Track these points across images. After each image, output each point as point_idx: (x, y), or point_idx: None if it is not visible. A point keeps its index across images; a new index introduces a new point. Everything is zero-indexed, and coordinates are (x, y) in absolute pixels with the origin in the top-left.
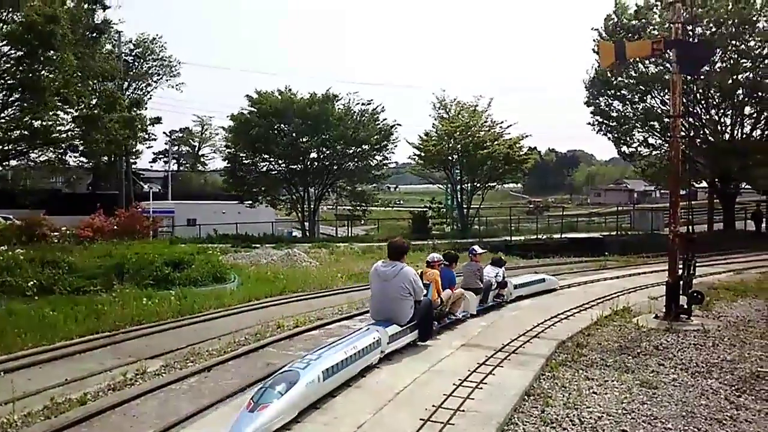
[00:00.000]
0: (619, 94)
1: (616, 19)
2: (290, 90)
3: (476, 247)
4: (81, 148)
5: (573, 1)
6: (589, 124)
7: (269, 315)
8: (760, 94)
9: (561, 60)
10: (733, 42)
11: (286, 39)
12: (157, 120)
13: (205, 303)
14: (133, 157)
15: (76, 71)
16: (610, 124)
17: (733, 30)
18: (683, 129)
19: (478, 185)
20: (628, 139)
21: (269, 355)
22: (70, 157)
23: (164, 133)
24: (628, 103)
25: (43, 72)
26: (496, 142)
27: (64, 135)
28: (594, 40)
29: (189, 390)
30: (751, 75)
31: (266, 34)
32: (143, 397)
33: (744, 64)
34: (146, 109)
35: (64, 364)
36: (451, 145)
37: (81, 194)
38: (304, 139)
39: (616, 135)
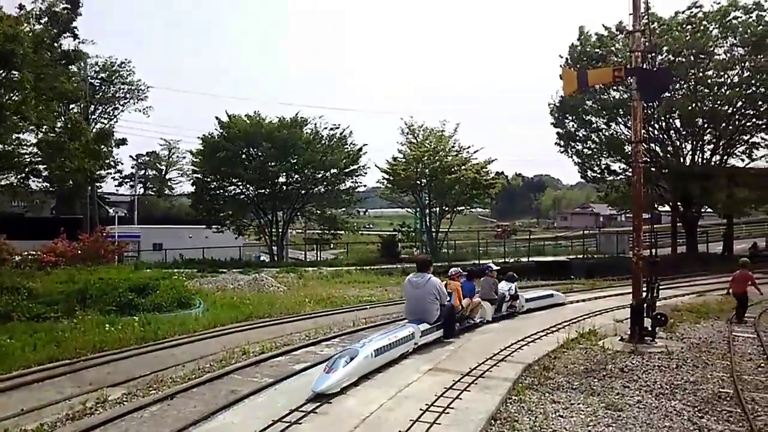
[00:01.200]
0: (584, 119)
1: (580, 47)
2: (259, 114)
3: (492, 265)
4: (44, 173)
5: (540, 31)
6: (557, 144)
7: (235, 341)
8: (718, 120)
9: (529, 86)
10: (692, 71)
11: (256, 65)
12: (123, 141)
13: (169, 329)
14: (98, 181)
15: (37, 92)
16: (576, 147)
17: (692, 59)
18: (646, 154)
19: (447, 209)
20: (592, 163)
21: (234, 382)
22: (33, 181)
23: (131, 156)
24: (593, 128)
25: (1, 90)
26: (463, 167)
27: (27, 159)
28: (560, 66)
29: (151, 418)
30: (709, 102)
31: (236, 60)
32: (103, 426)
33: (703, 92)
34: (113, 136)
35: (21, 394)
36: (419, 169)
37: (44, 218)
38: (273, 164)
39: (581, 159)
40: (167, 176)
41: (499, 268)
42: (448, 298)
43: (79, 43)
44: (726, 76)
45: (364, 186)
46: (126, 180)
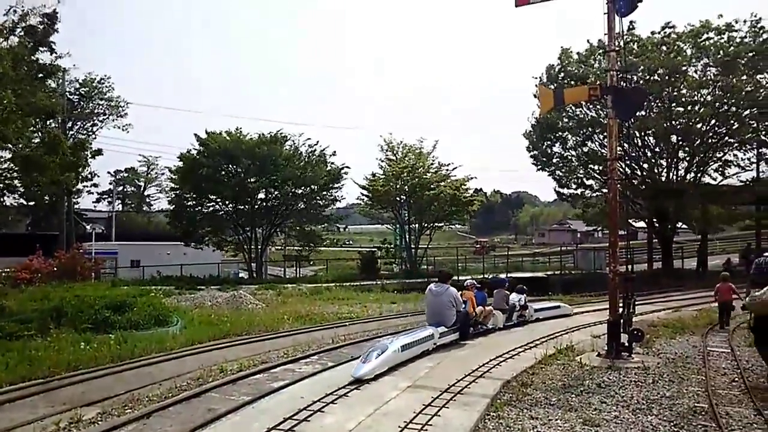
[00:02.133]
0: (561, 137)
1: (560, 66)
2: (239, 131)
3: (504, 279)
4: (20, 188)
5: (522, 51)
6: (533, 163)
7: (212, 359)
8: (692, 138)
9: (505, 102)
10: (667, 89)
11: (236, 82)
12: (98, 152)
13: (146, 347)
14: (75, 197)
15: (15, 109)
16: (552, 162)
17: (667, 78)
18: (621, 171)
19: (426, 225)
20: (569, 181)
21: (211, 401)
22: (8, 197)
23: (109, 173)
24: (569, 146)
25: None
26: (442, 184)
27: (2, 175)
28: (536, 86)
29: None
30: (683, 120)
31: (217, 76)
32: None
33: (677, 110)
34: (90, 148)
35: None
36: (398, 186)
37: (19, 234)
38: (252, 180)
39: (557, 176)
40: (146, 192)
41: (507, 282)
42: (464, 306)
43: (56, 57)
44: (699, 94)
45: (344, 201)
46: (104, 196)
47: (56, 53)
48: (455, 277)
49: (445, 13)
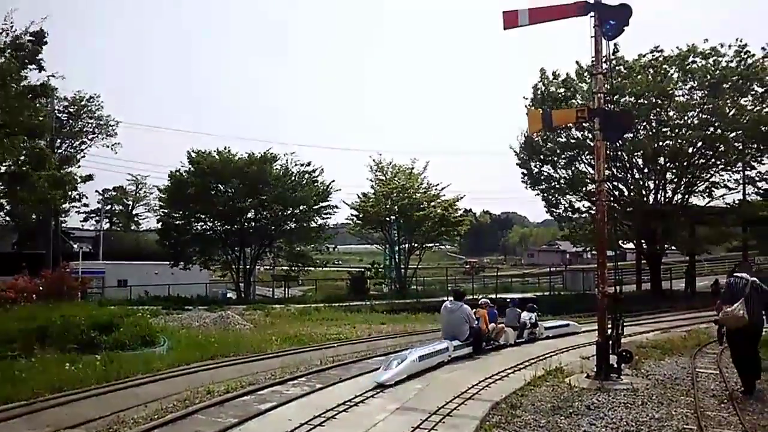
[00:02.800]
0: (549, 158)
1: (543, 88)
2: (229, 150)
3: (515, 299)
4: (7, 206)
5: (508, 71)
6: (523, 182)
7: (199, 380)
8: (679, 160)
9: (495, 124)
10: (654, 112)
11: (227, 102)
12: (89, 177)
13: (132, 368)
14: (62, 215)
15: (3, 128)
16: (541, 181)
17: (654, 101)
18: (610, 193)
19: (416, 246)
20: (557, 202)
21: (198, 423)
22: None
23: (97, 191)
24: (557, 167)
25: None
26: (431, 204)
27: None
28: (526, 106)
29: None
30: (671, 143)
31: (209, 96)
32: None
33: (665, 133)
34: (78, 166)
35: None
36: (388, 206)
37: (5, 253)
38: (241, 200)
39: (546, 196)
40: (134, 211)
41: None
42: (476, 322)
43: (48, 77)
44: (686, 117)
45: (334, 221)
46: (91, 215)
47: (45, 71)
48: (444, 299)
49: (438, 32)
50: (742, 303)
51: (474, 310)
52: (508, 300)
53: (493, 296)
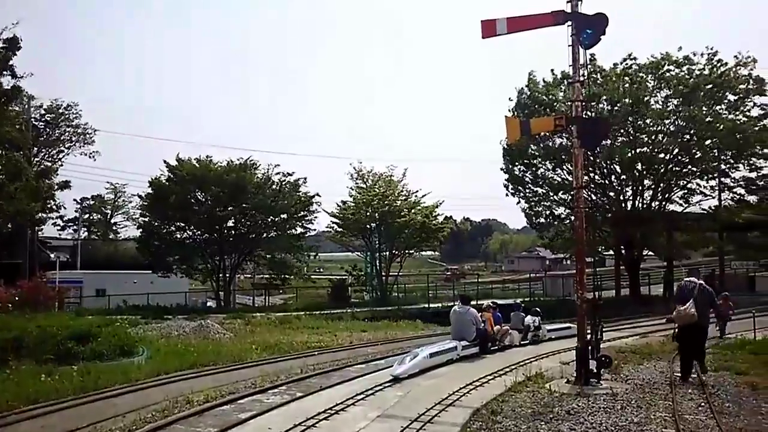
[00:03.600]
0: (531, 164)
1: (528, 93)
2: (209, 158)
3: (520, 304)
4: None
5: (490, 77)
6: (505, 184)
7: (178, 390)
8: (656, 167)
9: (474, 132)
10: (631, 119)
11: (207, 110)
12: (66, 184)
13: (110, 378)
14: (39, 225)
15: None
16: (525, 191)
17: (630, 108)
18: (588, 200)
19: (397, 253)
20: (538, 210)
21: None
22: None
23: (75, 200)
24: (539, 173)
25: None
26: (412, 211)
27: None
28: (509, 109)
29: None
30: (647, 149)
31: (188, 104)
32: None
33: (641, 139)
34: (57, 175)
35: None
36: (368, 213)
37: None
38: (221, 208)
39: (528, 203)
40: (112, 220)
41: (523, 305)
42: (482, 324)
43: (19, 77)
44: (662, 124)
45: (315, 230)
46: (69, 224)
47: (18, 77)
48: (425, 306)
49: (416, 39)
50: (691, 303)
51: (480, 313)
52: (513, 304)
53: (500, 301)
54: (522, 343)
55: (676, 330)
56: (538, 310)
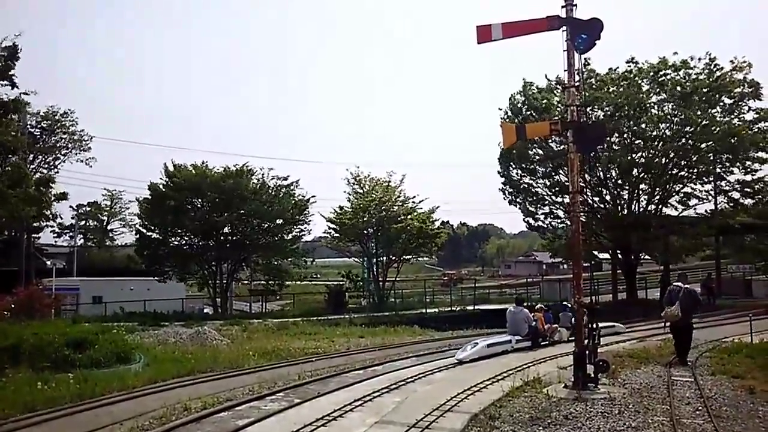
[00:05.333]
0: (530, 167)
1: (523, 98)
2: (205, 164)
3: (567, 305)
4: None
5: (489, 80)
6: (501, 189)
7: (175, 397)
8: (653, 171)
9: (472, 137)
10: (628, 123)
11: (205, 113)
12: (63, 196)
13: (107, 385)
14: (36, 232)
15: None
16: (520, 195)
17: (630, 112)
18: (586, 204)
19: (394, 258)
20: (536, 211)
21: None
22: None
23: (71, 207)
24: (537, 177)
25: None
26: (409, 216)
27: None
28: (502, 118)
29: None
30: (645, 154)
31: (187, 106)
32: None
33: (638, 144)
34: (54, 184)
35: None
36: (365, 219)
37: None
38: (217, 214)
39: (525, 207)
40: (109, 227)
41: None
42: (534, 322)
43: (21, 94)
44: (659, 128)
45: (311, 234)
46: (65, 231)
47: (18, 88)
48: (423, 311)
49: (414, 46)
50: (677, 305)
51: (533, 313)
52: (562, 306)
53: (552, 303)
54: (569, 339)
55: (668, 324)
56: (584, 310)
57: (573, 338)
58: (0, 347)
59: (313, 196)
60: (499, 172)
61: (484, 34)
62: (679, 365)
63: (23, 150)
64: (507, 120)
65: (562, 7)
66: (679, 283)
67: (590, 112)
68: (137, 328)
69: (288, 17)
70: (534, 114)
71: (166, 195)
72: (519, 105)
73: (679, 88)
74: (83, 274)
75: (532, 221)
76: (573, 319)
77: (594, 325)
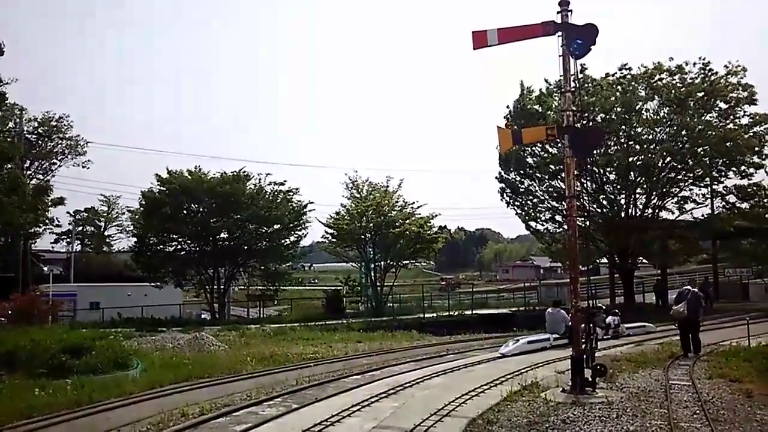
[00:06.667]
0: (529, 171)
1: (521, 103)
2: (200, 169)
3: (602, 306)
4: None
5: (484, 85)
6: (500, 191)
7: (173, 402)
8: (650, 175)
9: (469, 143)
10: (624, 128)
11: (199, 123)
12: (60, 201)
13: (104, 391)
14: (33, 238)
15: None
16: (519, 199)
17: (623, 117)
18: (584, 208)
19: (392, 263)
20: (535, 214)
21: None
22: None
23: (68, 213)
24: (536, 180)
25: None
26: (407, 221)
27: None
28: (502, 123)
29: None
30: (641, 158)
31: (180, 116)
32: None
33: (635, 148)
34: (51, 191)
35: None
36: (363, 224)
37: None
38: (214, 219)
39: (524, 210)
40: (106, 232)
41: (604, 307)
42: (569, 322)
43: (3, 84)
44: (655, 133)
45: (309, 239)
46: (62, 237)
47: (2, 83)
48: (421, 316)
49: (412, 52)
50: (684, 304)
51: (569, 314)
52: (599, 307)
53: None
54: (605, 337)
55: (676, 322)
56: (618, 311)
57: (607, 336)
58: None
59: (311, 202)
60: (496, 178)
61: (480, 40)
62: (684, 360)
63: (20, 157)
64: (508, 125)
65: (558, 12)
66: (689, 287)
67: (587, 116)
68: (134, 333)
69: (286, 20)
70: (533, 118)
71: (161, 201)
72: (517, 110)
73: (674, 93)
74: (80, 279)
75: (533, 224)
76: (607, 319)
77: (592, 330)
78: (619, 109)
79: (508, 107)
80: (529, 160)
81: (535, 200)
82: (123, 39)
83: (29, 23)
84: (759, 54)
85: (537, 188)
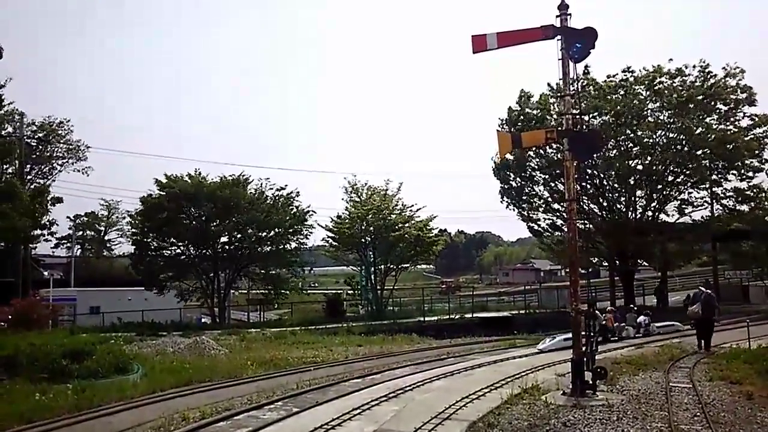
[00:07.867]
0: (529, 174)
1: (520, 108)
2: (200, 173)
3: (633, 307)
4: None
5: (484, 89)
6: (500, 192)
7: (174, 407)
8: (650, 177)
9: (469, 146)
10: (625, 131)
11: (198, 128)
12: (59, 200)
13: (105, 396)
14: (33, 242)
15: None
16: (522, 198)
17: (628, 120)
18: (584, 211)
19: (392, 267)
20: (536, 216)
21: None
22: None
23: (68, 217)
24: (537, 183)
25: None
26: (407, 225)
27: None
28: (500, 121)
29: None
30: (642, 161)
31: (179, 121)
32: None
33: (635, 151)
34: (49, 194)
35: None
36: (363, 227)
37: None
38: (214, 223)
39: (525, 212)
40: (106, 237)
41: (636, 308)
42: (604, 321)
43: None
44: (656, 136)
45: (310, 243)
46: (63, 241)
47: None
48: (421, 319)
49: (412, 55)
50: (699, 305)
51: (603, 315)
52: (629, 308)
53: (619, 305)
54: (636, 336)
55: (693, 321)
56: (649, 312)
57: (638, 335)
58: None
59: (309, 206)
60: (497, 177)
61: (480, 44)
62: (704, 353)
63: (20, 158)
64: (505, 129)
65: (557, 16)
66: (703, 288)
67: (589, 120)
68: (135, 338)
69: (287, 22)
70: (533, 122)
71: (160, 206)
72: (517, 114)
73: (675, 96)
74: (81, 284)
75: (535, 226)
76: (638, 319)
77: (593, 332)
78: (622, 113)
79: (501, 119)
80: (531, 163)
81: (536, 198)
82: (123, 39)
83: (29, 23)
84: (759, 54)
85: (536, 191)
